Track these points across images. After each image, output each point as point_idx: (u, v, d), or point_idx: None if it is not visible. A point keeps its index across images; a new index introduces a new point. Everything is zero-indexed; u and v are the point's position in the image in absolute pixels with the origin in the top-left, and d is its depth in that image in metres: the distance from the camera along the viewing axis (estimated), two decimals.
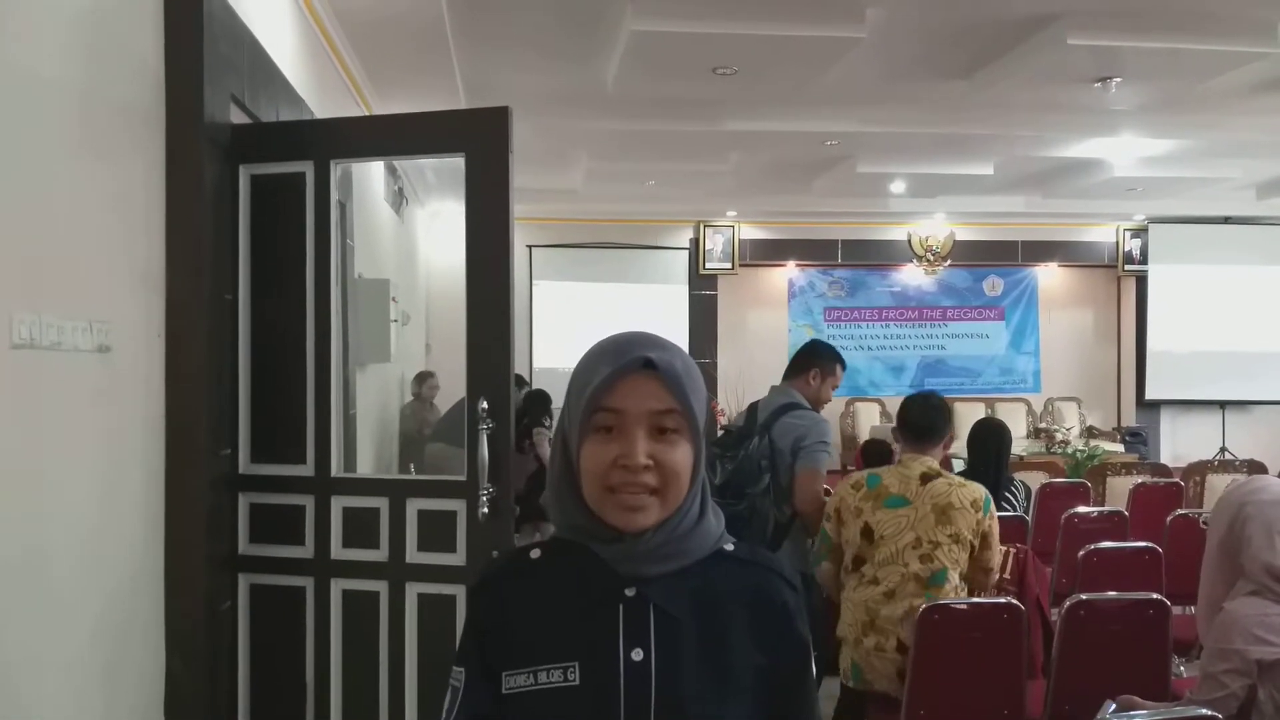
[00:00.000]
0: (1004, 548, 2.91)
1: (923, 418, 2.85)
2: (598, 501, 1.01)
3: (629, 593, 1.02)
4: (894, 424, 2.96)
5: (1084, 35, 4.54)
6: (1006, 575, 2.85)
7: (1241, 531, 2.02)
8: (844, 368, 3.39)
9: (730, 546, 1.08)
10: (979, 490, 2.77)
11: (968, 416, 6.31)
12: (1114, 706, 1.89)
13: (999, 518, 2.83)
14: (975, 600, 2.70)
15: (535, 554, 1.09)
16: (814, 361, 3.34)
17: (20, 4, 1.70)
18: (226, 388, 2.48)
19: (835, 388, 3.38)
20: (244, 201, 2.54)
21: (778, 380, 3.40)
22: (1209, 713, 1.75)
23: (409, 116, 2.77)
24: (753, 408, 3.34)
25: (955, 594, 2.67)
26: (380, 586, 2.50)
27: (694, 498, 1.04)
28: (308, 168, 2.54)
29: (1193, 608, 2.32)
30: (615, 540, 1.02)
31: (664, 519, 1.01)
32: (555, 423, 1.17)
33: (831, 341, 5.27)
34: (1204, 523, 2.65)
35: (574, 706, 1.00)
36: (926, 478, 2.74)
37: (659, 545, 1.02)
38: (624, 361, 1.00)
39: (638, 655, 1.01)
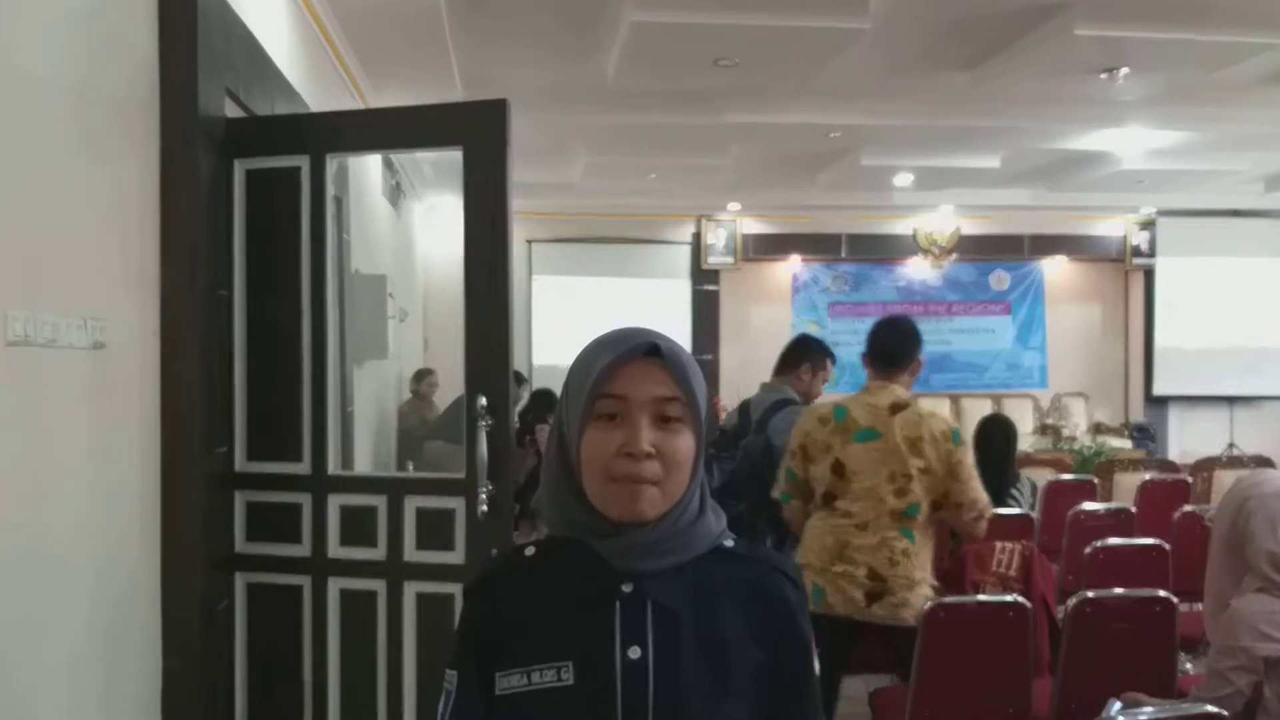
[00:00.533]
0: (1010, 545, 2.88)
1: (893, 343, 2.73)
2: (598, 492, 0.99)
3: (625, 589, 1.00)
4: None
5: (1091, 25, 4.50)
6: (1012, 573, 2.83)
7: (1245, 526, 2.01)
8: (834, 361, 3.38)
9: (730, 543, 1.06)
10: (948, 422, 2.71)
11: (974, 412, 6.30)
12: (1119, 705, 1.87)
13: (1004, 515, 2.80)
14: (981, 599, 2.69)
15: (530, 552, 1.07)
16: (805, 357, 3.33)
17: None
18: (222, 384, 2.46)
19: (826, 381, 3.36)
20: (239, 196, 2.51)
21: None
22: (1215, 709, 1.74)
23: (405, 110, 2.74)
24: (744, 406, 3.33)
25: (925, 525, 2.64)
26: (378, 585, 2.48)
27: (694, 492, 1.02)
28: (303, 162, 2.52)
29: (1200, 604, 2.30)
30: (613, 534, 1.00)
31: (664, 512, 0.99)
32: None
33: (836, 336, 5.28)
34: (1209, 519, 2.62)
35: (568, 707, 0.98)
36: (896, 408, 2.65)
37: (658, 540, 1.00)
38: (628, 348, 0.99)
39: (634, 654, 0.99)
